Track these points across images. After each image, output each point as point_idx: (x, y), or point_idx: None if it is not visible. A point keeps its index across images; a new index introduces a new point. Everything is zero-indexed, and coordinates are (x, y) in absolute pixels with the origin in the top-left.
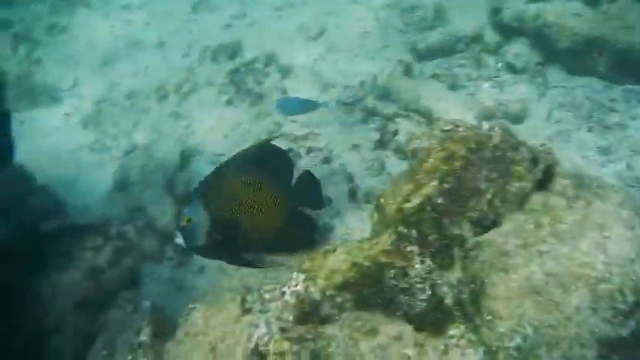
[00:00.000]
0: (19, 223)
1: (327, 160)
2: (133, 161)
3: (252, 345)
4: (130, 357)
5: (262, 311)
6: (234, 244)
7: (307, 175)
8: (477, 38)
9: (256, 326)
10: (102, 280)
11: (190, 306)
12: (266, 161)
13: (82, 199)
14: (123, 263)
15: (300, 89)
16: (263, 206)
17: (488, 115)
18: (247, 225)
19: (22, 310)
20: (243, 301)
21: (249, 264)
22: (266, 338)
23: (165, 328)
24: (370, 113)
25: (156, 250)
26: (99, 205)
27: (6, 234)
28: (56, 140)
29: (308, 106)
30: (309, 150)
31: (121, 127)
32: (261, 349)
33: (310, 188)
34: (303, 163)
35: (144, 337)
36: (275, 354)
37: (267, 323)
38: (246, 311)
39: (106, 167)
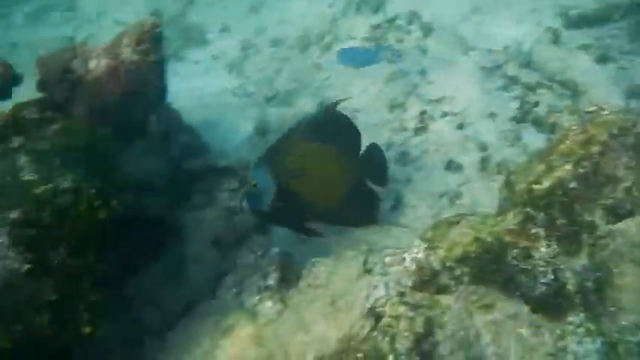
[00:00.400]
0: (168, 160)
1: (460, 126)
2: (273, 109)
3: (369, 305)
4: (257, 297)
5: (382, 274)
6: (297, 211)
7: (375, 149)
8: (636, 8)
9: (375, 287)
10: (235, 222)
11: (315, 259)
12: (334, 129)
13: (222, 142)
14: None
15: (441, 50)
16: (328, 174)
17: (637, 94)
18: (311, 193)
19: (168, 240)
20: (365, 261)
21: (309, 232)
22: (383, 300)
23: (291, 275)
24: (511, 81)
25: None
26: (238, 149)
27: (157, 169)
28: (202, 82)
29: (368, 58)
30: (444, 114)
31: (264, 74)
32: (378, 310)
33: (377, 162)
34: (437, 127)
35: (271, 282)
36: (390, 316)
37: (386, 286)
38: (367, 271)
39: (248, 112)
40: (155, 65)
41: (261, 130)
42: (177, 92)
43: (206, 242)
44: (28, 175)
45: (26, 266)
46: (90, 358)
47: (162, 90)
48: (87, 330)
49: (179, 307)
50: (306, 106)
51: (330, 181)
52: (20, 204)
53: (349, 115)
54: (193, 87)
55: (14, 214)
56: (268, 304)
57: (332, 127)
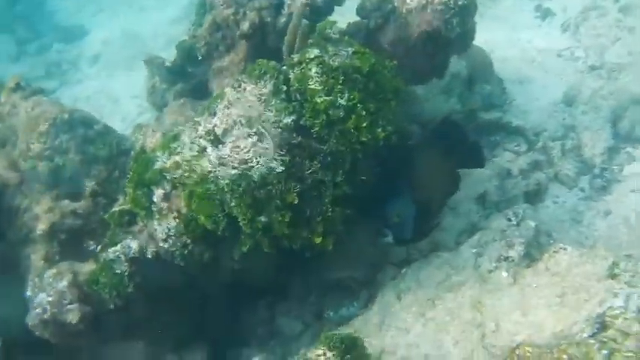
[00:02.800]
0: (464, 104)
1: None
2: (590, 80)
3: (599, 310)
4: (494, 264)
5: (629, 284)
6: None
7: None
8: None
9: (615, 295)
10: (506, 184)
11: (560, 245)
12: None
13: (526, 101)
14: (533, 176)
15: None
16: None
17: None
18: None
19: None
20: (614, 264)
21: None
22: (617, 311)
23: (534, 254)
24: None
25: (571, 175)
26: (538, 112)
27: (448, 112)
28: (530, 35)
29: None
30: None
31: (598, 41)
32: (607, 319)
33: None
34: None
35: (513, 254)
36: (618, 330)
37: (628, 298)
38: (613, 276)
39: (565, 77)
40: (462, 9)
41: (570, 99)
42: (498, 41)
43: (471, 196)
44: (313, 85)
45: (281, 167)
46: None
47: (467, 34)
48: (317, 240)
49: (424, 244)
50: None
51: None
52: (297, 112)
53: None
54: (518, 38)
55: (288, 119)
56: (502, 274)
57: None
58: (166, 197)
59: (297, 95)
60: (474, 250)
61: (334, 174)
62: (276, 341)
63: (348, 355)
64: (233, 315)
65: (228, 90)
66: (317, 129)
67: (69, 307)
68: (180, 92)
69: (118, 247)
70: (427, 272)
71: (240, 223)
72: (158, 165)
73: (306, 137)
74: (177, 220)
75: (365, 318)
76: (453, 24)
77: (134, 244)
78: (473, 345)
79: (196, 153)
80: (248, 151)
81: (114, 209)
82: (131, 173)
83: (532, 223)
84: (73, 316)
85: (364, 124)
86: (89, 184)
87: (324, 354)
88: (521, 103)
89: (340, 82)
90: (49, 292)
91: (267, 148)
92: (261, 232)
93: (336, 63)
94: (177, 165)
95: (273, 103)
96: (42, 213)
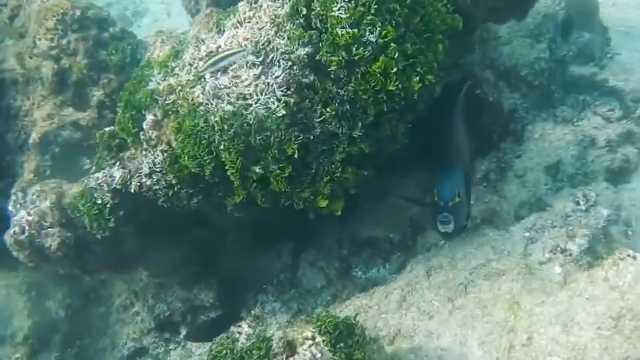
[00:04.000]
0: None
1: None
2: None
3: None
4: (547, 255)
5: None
6: None
7: None
8: None
9: None
10: (587, 155)
11: (628, 252)
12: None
13: (631, 59)
14: (622, 150)
15: None
16: None
17: None
18: None
19: None
20: None
21: None
22: None
23: (601, 251)
24: None
25: None
26: None
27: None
28: None
29: None
30: None
31: None
32: None
33: None
34: None
35: (573, 247)
36: None
37: None
38: None
39: None
40: None
41: None
42: None
43: (539, 164)
44: (338, 11)
45: (282, 111)
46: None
47: None
48: (322, 204)
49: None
50: None
51: None
52: (314, 43)
53: None
54: None
55: (302, 50)
56: (555, 269)
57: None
58: (156, 125)
59: (318, 22)
60: (527, 234)
61: (351, 126)
62: (294, 293)
63: (342, 344)
64: (251, 255)
65: (242, 4)
66: (334, 68)
67: (49, 229)
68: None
69: (100, 174)
70: (465, 251)
71: (228, 172)
72: (151, 86)
73: (322, 77)
74: (165, 154)
75: (386, 290)
76: None
77: (117, 174)
78: (498, 353)
79: (192, 77)
80: (248, 85)
81: (104, 129)
82: (122, 92)
83: (604, 212)
84: (51, 241)
85: (394, 70)
86: (97, 94)
87: (313, 338)
88: (624, 59)
89: (372, 11)
90: (29, 210)
91: (270, 84)
92: (256, 184)
93: None
94: (171, 89)
95: (287, 27)
96: (39, 119)
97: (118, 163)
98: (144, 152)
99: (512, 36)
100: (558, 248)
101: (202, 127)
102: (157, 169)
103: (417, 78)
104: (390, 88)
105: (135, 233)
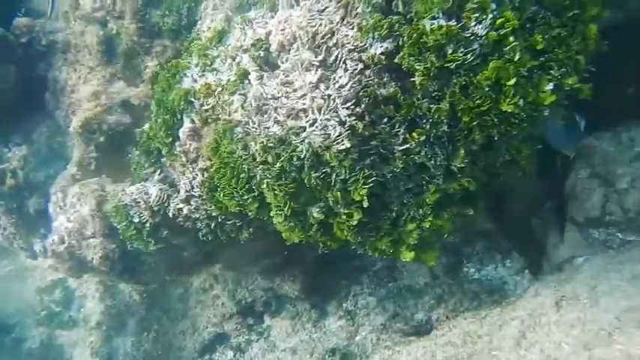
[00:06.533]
0: None
1: None
2: None
3: None
4: None
5: None
6: None
7: None
8: None
9: None
10: None
11: None
12: None
13: None
14: None
15: None
16: None
17: None
18: None
19: None
20: None
21: None
22: None
23: None
24: None
25: None
26: None
27: None
28: None
29: None
30: None
31: None
32: None
33: None
34: None
35: None
36: None
37: None
38: None
39: None
40: None
41: None
42: None
43: None
44: None
45: (346, 143)
46: None
47: None
48: (406, 257)
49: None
50: None
51: None
52: (397, 35)
53: None
54: None
55: (379, 47)
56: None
57: None
58: (195, 134)
59: (401, 4)
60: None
61: (448, 156)
62: (392, 288)
63: None
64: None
65: None
66: (420, 78)
67: (90, 240)
68: None
69: (135, 188)
70: (612, 282)
71: (274, 220)
72: (185, 83)
73: (406, 86)
74: (205, 174)
75: (502, 318)
76: None
77: (154, 192)
78: None
79: (235, 77)
80: (303, 96)
81: (144, 128)
82: (154, 86)
83: None
84: (93, 253)
85: (511, 81)
86: (150, 64)
87: None
88: None
89: None
90: (69, 215)
91: (332, 98)
92: (317, 228)
93: None
94: (209, 90)
95: (359, 10)
96: (84, 99)
97: (157, 173)
98: (181, 168)
99: None
100: None
101: (241, 156)
102: (196, 194)
103: (551, 85)
104: (504, 107)
105: (192, 241)
